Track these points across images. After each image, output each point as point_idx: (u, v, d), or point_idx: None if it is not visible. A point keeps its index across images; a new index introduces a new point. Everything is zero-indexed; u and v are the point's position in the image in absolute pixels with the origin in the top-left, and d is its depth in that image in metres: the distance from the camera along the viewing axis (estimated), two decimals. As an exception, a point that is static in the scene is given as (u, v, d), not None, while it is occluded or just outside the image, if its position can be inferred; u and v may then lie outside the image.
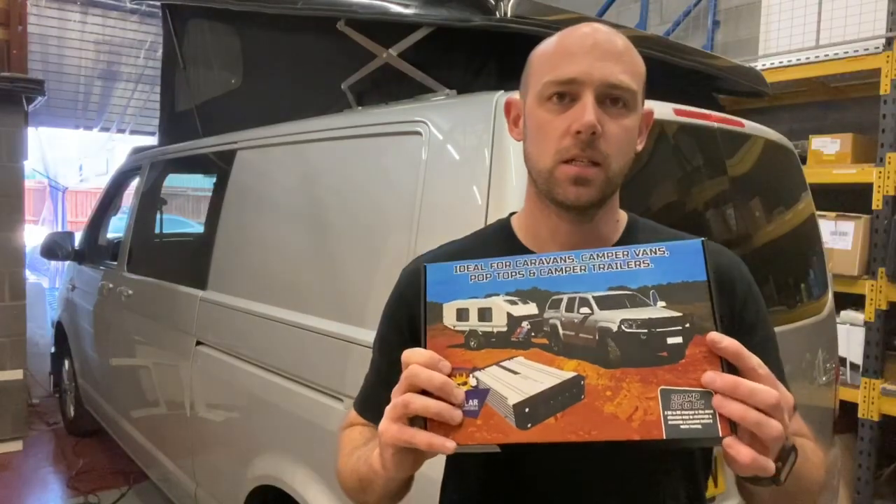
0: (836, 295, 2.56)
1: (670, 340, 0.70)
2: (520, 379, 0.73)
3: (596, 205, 0.87)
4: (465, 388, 0.73)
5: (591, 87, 0.83)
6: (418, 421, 0.73)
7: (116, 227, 4.13)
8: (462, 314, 0.76)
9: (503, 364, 0.74)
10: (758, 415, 0.65)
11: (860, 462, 3.23)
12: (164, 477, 2.88)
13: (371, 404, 0.99)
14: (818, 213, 2.34)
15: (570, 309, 0.74)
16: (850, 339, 3.24)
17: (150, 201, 3.40)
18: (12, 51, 4.81)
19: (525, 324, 0.74)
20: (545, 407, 0.71)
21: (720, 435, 0.66)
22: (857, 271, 3.24)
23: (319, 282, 1.95)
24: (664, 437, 0.67)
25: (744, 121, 2.04)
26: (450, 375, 0.73)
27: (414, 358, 0.74)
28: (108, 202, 4.16)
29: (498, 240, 0.98)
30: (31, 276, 6.14)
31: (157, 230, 3.43)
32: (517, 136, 0.95)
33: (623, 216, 0.98)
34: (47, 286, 7.35)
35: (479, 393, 0.73)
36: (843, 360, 3.26)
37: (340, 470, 0.96)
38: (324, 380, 1.86)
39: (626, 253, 0.74)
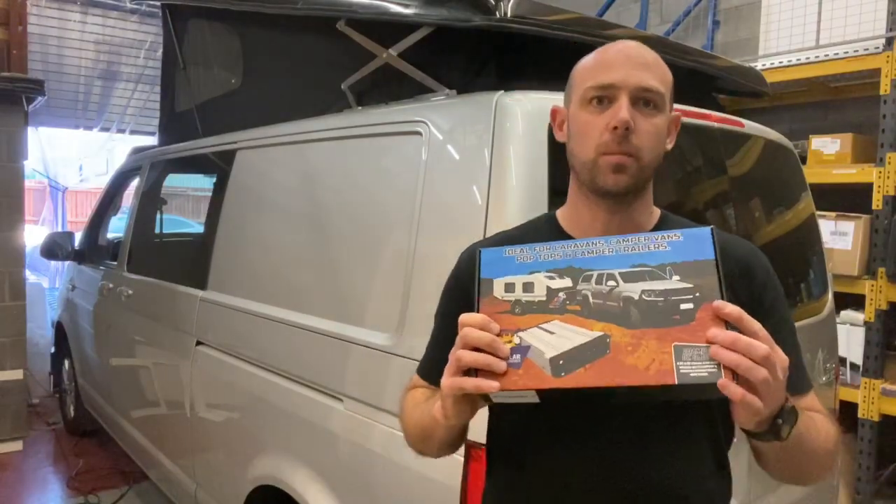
0: (836, 295, 2.56)
1: (682, 306, 0.84)
2: (556, 338, 0.87)
3: (631, 191, 1.01)
4: (510, 346, 0.88)
5: (625, 90, 0.98)
6: (472, 373, 0.88)
7: (116, 227, 4.13)
8: (509, 287, 0.92)
9: (542, 326, 0.89)
10: (750, 363, 0.78)
11: (860, 462, 3.23)
12: (164, 477, 2.88)
13: (431, 369, 1.14)
14: (818, 213, 2.34)
15: (599, 282, 0.89)
16: (850, 339, 3.24)
17: (150, 201, 3.40)
18: (12, 51, 4.80)
19: (561, 294, 0.89)
20: (576, 360, 0.85)
21: (717, 388, 0.78)
22: (857, 271, 3.24)
23: (319, 282, 1.95)
24: (675, 382, 0.80)
25: (744, 121, 2.04)
26: (498, 335, 0.89)
27: (468, 321, 0.89)
28: (108, 202, 4.16)
29: (545, 229, 1.13)
30: (31, 276, 6.14)
31: (157, 230, 3.43)
32: (562, 138, 1.10)
33: (657, 211, 1.12)
34: (47, 286, 7.35)
35: (522, 349, 0.88)
36: (843, 360, 3.26)
37: (405, 425, 1.14)
38: (324, 380, 1.86)
39: (646, 238, 0.90)
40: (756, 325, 0.81)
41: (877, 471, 3.29)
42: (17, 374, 4.07)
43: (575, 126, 1.04)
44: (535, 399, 0.87)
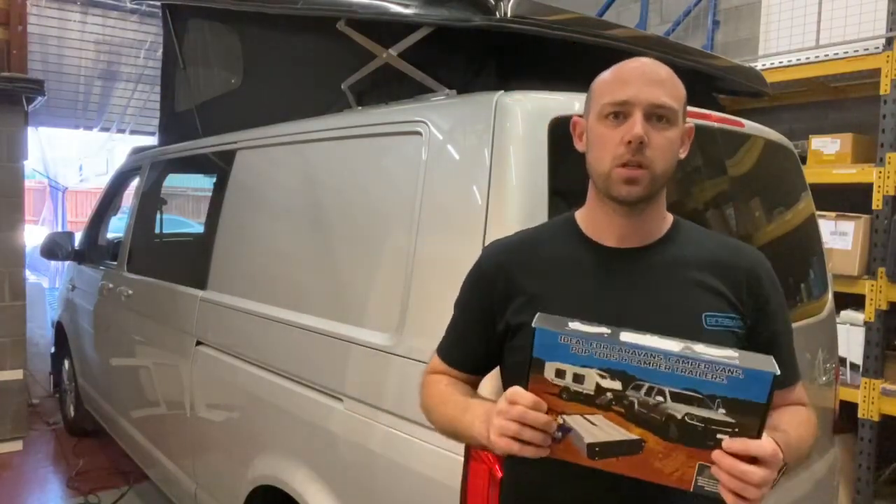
0: (836, 295, 2.56)
1: (719, 436, 0.91)
2: (597, 429, 0.95)
3: (644, 200, 1.09)
4: (555, 423, 0.96)
5: (640, 106, 1.06)
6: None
7: (116, 227, 4.13)
8: (560, 373, 0.95)
9: (586, 416, 0.95)
10: (742, 486, 0.89)
11: (860, 462, 3.23)
12: (164, 477, 2.88)
13: (451, 352, 1.27)
14: (818, 213, 2.34)
15: (648, 394, 0.93)
16: (850, 339, 3.24)
17: (150, 201, 3.40)
18: (12, 51, 4.80)
19: (609, 394, 0.94)
20: (611, 451, 0.95)
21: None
22: (857, 271, 3.24)
23: (319, 282, 1.95)
24: (690, 490, 0.93)
25: (744, 121, 2.04)
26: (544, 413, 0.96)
27: (522, 401, 0.96)
28: (108, 202, 4.16)
29: (564, 230, 1.20)
30: (31, 276, 6.14)
31: (157, 230, 3.43)
32: (581, 148, 1.17)
33: (670, 216, 1.19)
34: (47, 286, 7.35)
35: (564, 429, 0.96)
36: (843, 360, 3.26)
37: (429, 412, 1.23)
38: (324, 380, 1.86)
39: (706, 366, 0.90)
40: (764, 453, 0.89)
41: (877, 471, 3.29)
42: (17, 374, 4.07)
43: (593, 138, 1.11)
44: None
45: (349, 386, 1.77)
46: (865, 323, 3.20)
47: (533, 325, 0.95)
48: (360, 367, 1.74)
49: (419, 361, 1.54)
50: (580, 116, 1.20)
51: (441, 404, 1.20)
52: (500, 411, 0.98)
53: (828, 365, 2.20)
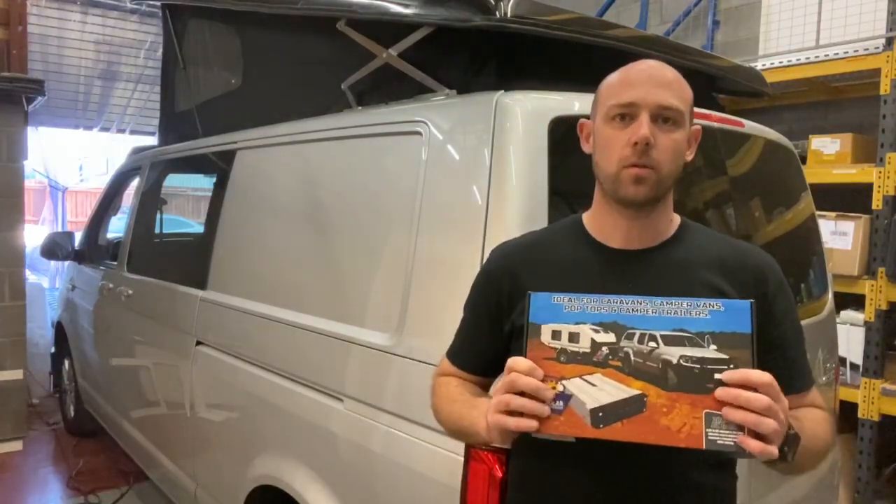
0: (836, 295, 2.56)
1: (717, 376, 0.91)
2: (596, 390, 0.95)
3: (651, 201, 1.09)
4: (553, 392, 0.96)
5: (646, 108, 1.06)
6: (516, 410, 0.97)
7: (116, 227, 4.13)
8: (556, 335, 0.97)
9: (585, 377, 0.96)
10: (755, 417, 0.88)
11: (860, 462, 3.23)
12: (164, 477, 2.88)
13: (460, 354, 1.28)
14: (818, 213, 2.34)
15: (641, 341, 0.95)
16: (850, 339, 3.24)
17: (150, 201, 3.40)
18: (12, 51, 4.80)
19: (604, 348, 0.95)
20: (614, 414, 0.94)
21: (743, 449, 0.88)
22: (857, 271, 3.24)
23: (319, 282, 1.95)
24: (703, 447, 0.90)
25: (744, 121, 2.04)
26: (542, 381, 0.96)
27: (516, 366, 0.97)
28: (108, 202, 4.16)
29: (570, 232, 1.21)
30: (31, 276, 6.13)
31: (157, 230, 3.43)
32: (588, 150, 1.17)
33: (677, 218, 1.19)
34: (47, 286, 7.34)
35: (564, 397, 0.96)
36: (843, 360, 3.26)
37: (438, 413, 1.24)
38: (324, 380, 1.86)
39: (688, 304, 0.94)
40: (763, 380, 0.90)
41: (877, 471, 3.29)
42: (17, 374, 4.07)
43: (600, 140, 1.12)
44: (572, 440, 0.96)
45: (349, 386, 1.77)
46: (865, 323, 3.20)
47: (528, 294, 0.99)
48: (360, 367, 1.74)
49: (419, 361, 1.54)
50: (587, 118, 1.20)
51: (449, 403, 1.21)
52: (496, 390, 1.00)
53: (828, 365, 2.20)
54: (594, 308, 0.96)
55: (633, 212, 1.11)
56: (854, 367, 3.27)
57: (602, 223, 1.17)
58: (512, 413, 0.97)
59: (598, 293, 1.09)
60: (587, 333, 0.96)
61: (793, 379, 1.13)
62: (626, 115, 1.08)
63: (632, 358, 0.94)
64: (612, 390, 0.94)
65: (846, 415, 3.19)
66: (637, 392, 0.93)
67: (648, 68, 1.10)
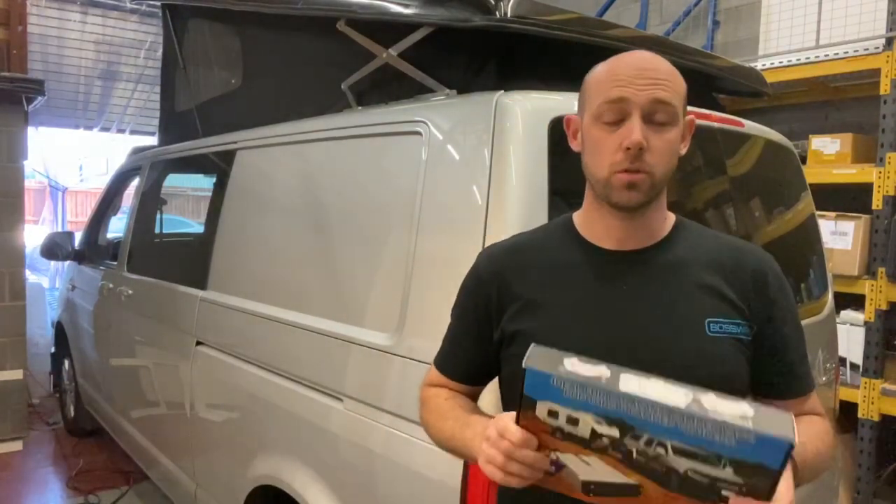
0: (836, 295, 2.56)
1: (724, 493, 0.81)
2: (591, 469, 0.88)
3: (644, 205, 1.04)
4: (547, 460, 0.90)
5: (637, 107, 0.99)
6: None
7: (116, 227, 4.13)
8: (553, 414, 0.86)
9: (580, 456, 0.88)
10: None
11: (860, 462, 3.23)
12: (164, 477, 2.88)
13: (448, 363, 1.23)
14: (818, 213, 2.34)
15: (647, 444, 0.83)
16: (850, 339, 3.24)
17: (150, 201, 3.40)
18: (12, 51, 4.81)
19: (605, 439, 0.85)
20: (607, 491, 0.88)
21: None
22: (857, 271, 3.24)
23: (319, 282, 1.95)
24: None
25: (744, 121, 2.04)
26: (536, 449, 0.89)
27: (511, 437, 0.89)
28: (108, 202, 4.16)
29: (561, 233, 1.15)
30: (31, 276, 6.13)
31: (157, 230, 3.43)
32: (577, 148, 1.11)
33: (671, 216, 1.14)
34: (47, 286, 7.34)
35: (557, 464, 0.90)
36: (843, 360, 3.26)
37: (429, 427, 1.18)
38: (324, 380, 1.86)
39: (713, 426, 0.79)
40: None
41: (877, 471, 3.29)
42: (17, 374, 4.07)
43: (589, 142, 1.05)
44: None
45: (349, 386, 1.77)
46: (865, 323, 3.20)
47: (524, 364, 0.85)
48: (360, 367, 1.74)
49: (419, 361, 1.54)
50: (574, 114, 1.14)
51: (441, 419, 1.15)
52: (488, 437, 0.93)
53: (828, 365, 2.20)
54: (600, 401, 0.83)
55: (626, 215, 1.06)
56: (854, 367, 3.27)
57: (594, 224, 1.11)
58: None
59: (591, 296, 1.05)
60: (588, 422, 0.84)
61: (793, 383, 1.11)
62: (615, 113, 1.01)
63: (634, 456, 0.84)
64: (607, 473, 0.87)
65: (846, 415, 3.19)
66: (634, 482, 0.86)
67: (638, 61, 1.02)
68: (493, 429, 0.93)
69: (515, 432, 0.89)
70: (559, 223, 1.18)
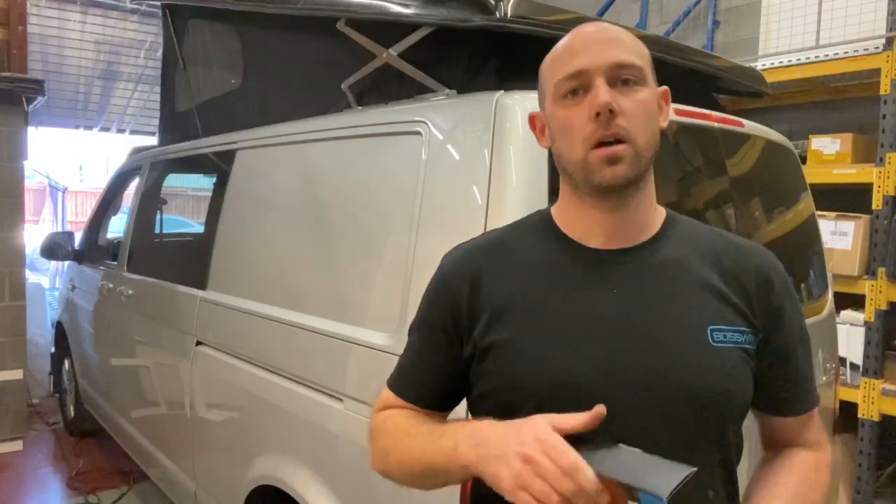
0: (836, 295, 2.56)
1: None
2: None
3: (632, 182, 0.91)
4: None
5: (599, 73, 0.89)
6: None
7: (116, 227, 4.13)
8: None
9: None
10: None
11: (860, 462, 3.23)
12: (164, 477, 2.88)
13: (409, 385, 1.05)
14: (818, 213, 2.34)
15: None
16: (850, 339, 3.24)
17: (150, 201, 3.40)
18: (12, 51, 4.80)
19: None
20: None
21: None
22: (857, 271, 3.24)
23: (319, 282, 1.95)
24: None
25: (744, 121, 2.04)
26: None
27: (583, 479, 0.75)
28: (108, 202, 4.16)
29: (539, 228, 1.02)
30: (31, 276, 6.13)
31: (157, 230, 3.43)
32: (545, 144, 1.00)
33: (661, 210, 1.01)
34: (47, 286, 7.35)
35: None
36: (843, 360, 3.26)
37: (388, 453, 1.00)
38: (324, 380, 1.86)
39: None
40: None
41: (877, 471, 3.29)
42: (17, 374, 4.07)
43: (555, 125, 0.94)
44: None
45: (349, 386, 1.77)
46: (865, 323, 3.20)
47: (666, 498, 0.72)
48: (360, 367, 1.74)
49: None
50: (539, 111, 1.03)
51: (403, 438, 0.97)
52: (530, 459, 0.77)
53: (828, 365, 2.20)
54: None
55: (613, 201, 0.93)
56: (854, 367, 3.27)
57: (576, 219, 0.97)
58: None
59: (577, 303, 0.93)
60: None
61: (798, 399, 1.01)
62: (577, 88, 0.90)
63: None
64: None
65: (846, 415, 3.19)
66: None
67: (592, 31, 0.92)
68: (547, 460, 0.76)
69: (590, 476, 0.74)
70: (536, 218, 1.04)
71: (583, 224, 0.97)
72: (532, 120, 1.04)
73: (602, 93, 0.87)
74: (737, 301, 0.95)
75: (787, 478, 0.97)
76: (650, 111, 0.91)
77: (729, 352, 0.91)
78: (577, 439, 0.80)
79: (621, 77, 0.89)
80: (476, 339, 0.96)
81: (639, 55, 0.91)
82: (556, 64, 0.94)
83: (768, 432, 1.06)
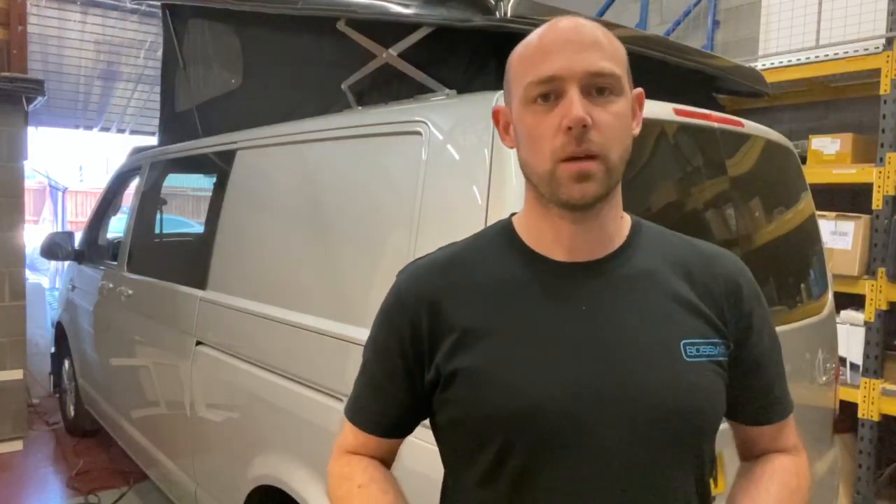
0: (836, 295, 2.56)
1: None
2: None
3: (601, 199, 0.86)
4: None
5: (573, 80, 0.82)
6: None
7: (116, 227, 4.13)
8: None
9: None
10: None
11: (860, 462, 3.23)
12: (164, 477, 2.88)
13: (366, 416, 1.01)
14: (818, 213, 2.34)
15: None
16: (850, 339, 3.24)
17: (150, 201, 3.40)
18: (12, 51, 4.80)
19: None
20: None
21: None
22: (857, 271, 3.24)
23: (319, 282, 1.95)
24: None
25: (744, 121, 2.04)
26: None
27: None
28: (108, 202, 4.16)
29: (500, 242, 0.96)
30: (31, 276, 6.14)
31: (157, 230, 3.43)
32: (510, 144, 0.93)
33: (627, 218, 0.96)
34: (47, 286, 7.35)
35: None
36: (843, 360, 3.26)
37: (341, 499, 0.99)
38: (324, 380, 1.86)
39: None
40: None
41: (877, 471, 3.29)
42: (17, 374, 4.08)
43: (522, 130, 0.87)
44: None
45: (349, 386, 1.76)
46: (865, 323, 3.20)
47: None
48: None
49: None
50: (503, 105, 0.95)
51: (370, 499, 0.97)
52: None
53: (828, 365, 2.20)
54: None
55: (579, 216, 0.88)
56: (854, 367, 3.27)
57: (539, 231, 0.92)
58: None
59: (543, 321, 0.88)
60: None
61: (772, 407, 0.99)
62: (549, 93, 0.83)
63: None
64: None
65: (846, 415, 3.19)
66: None
67: (567, 30, 0.85)
68: None
69: None
70: (497, 230, 0.98)
71: (547, 235, 0.91)
72: (496, 115, 0.96)
73: (576, 106, 0.81)
74: (708, 312, 0.91)
75: (769, 484, 0.95)
76: (625, 125, 0.86)
77: (702, 366, 0.88)
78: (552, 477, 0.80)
79: (596, 86, 0.83)
80: (439, 365, 0.91)
81: (616, 61, 0.85)
82: (526, 63, 0.86)
83: (745, 442, 1.04)
